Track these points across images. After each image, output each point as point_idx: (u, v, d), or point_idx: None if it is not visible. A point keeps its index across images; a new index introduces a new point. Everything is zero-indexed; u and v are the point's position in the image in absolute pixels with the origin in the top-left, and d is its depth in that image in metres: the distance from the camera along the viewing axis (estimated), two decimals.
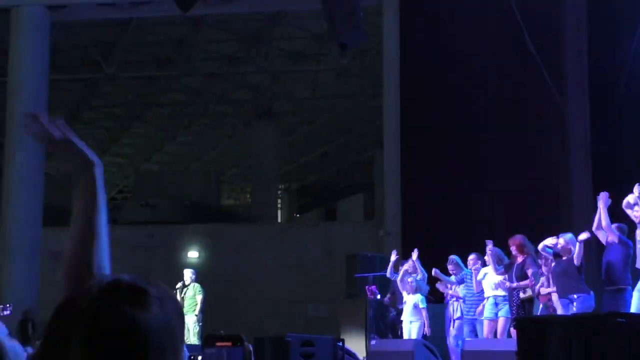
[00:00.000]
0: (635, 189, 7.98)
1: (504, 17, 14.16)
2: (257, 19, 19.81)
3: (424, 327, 10.92)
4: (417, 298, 10.92)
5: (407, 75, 16.37)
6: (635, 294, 8.83)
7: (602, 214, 8.96)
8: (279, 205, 29.31)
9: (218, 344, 8.54)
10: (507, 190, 14.25)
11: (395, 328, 11.61)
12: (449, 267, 11.06)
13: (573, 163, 14.43)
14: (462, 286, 10.87)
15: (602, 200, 8.91)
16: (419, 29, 15.96)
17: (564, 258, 9.22)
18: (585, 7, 14.44)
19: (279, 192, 29.41)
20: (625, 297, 8.86)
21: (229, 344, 8.32)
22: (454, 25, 14.91)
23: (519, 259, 9.94)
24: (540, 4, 14.54)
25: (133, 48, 20.75)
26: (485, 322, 10.10)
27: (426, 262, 11.45)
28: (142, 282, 1.27)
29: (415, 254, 11.13)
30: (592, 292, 9.16)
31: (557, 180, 14.42)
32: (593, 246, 9.97)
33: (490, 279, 10.22)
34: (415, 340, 10.04)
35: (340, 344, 8.95)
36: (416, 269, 11.11)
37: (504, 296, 10.05)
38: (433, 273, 11.12)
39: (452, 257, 11.10)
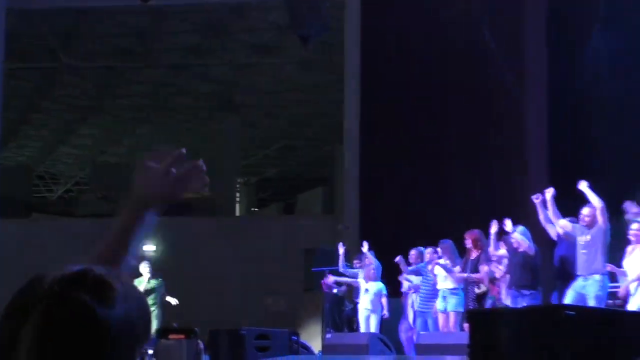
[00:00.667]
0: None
1: (464, 14, 14.22)
2: (220, 11, 19.67)
3: (382, 313, 10.98)
4: (379, 285, 10.96)
5: (368, 70, 16.39)
6: (569, 292, 8.94)
7: (550, 208, 9.15)
8: (238, 199, 29.18)
9: (171, 336, 8.46)
10: (466, 185, 14.34)
11: (351, 321, 11.63)
12: (411, 257, 11.11)
13: (531, 160, 14.55)
14: (419, 278, 10.91)
15: (546, 195, 9.14)
16: (381, 24, 15.98)
17: (520, 250, 9.31)
18: (545, 4, 14.55)
19: (238, 185, 29.27)
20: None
21: (182, 336, 8.25)
22: (416, 21, 14.95)
23: (473, 254, 10.00)
24: (501, 1, 14.63)
25: (93, 38, 20.48)
26: (439, 315, 10.15)
27: (384, 256, 11.48)
28: (112, 276, 1.22)
29: (365, 246, 11.18)
30: (540, 289, 9.26)
31: (515, 176, 14.52)
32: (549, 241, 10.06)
33: (441, 271, 10.26)
34: (370, 333, 10.06)
35: (295, 337, 8.93)
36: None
37: (451, 289, 10.08)
38: (397, 260, 11.13)
39: (417, 248, 11.15)
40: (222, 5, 19.29)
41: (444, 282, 10.17)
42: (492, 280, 9.74)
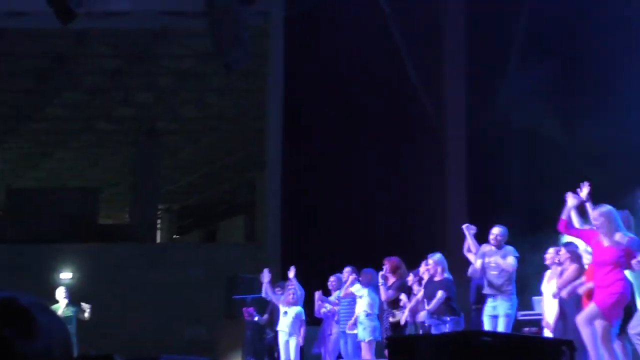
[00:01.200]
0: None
1: (386, 44, 14.46)
2: (143, 36, 19.52)
3: (301, 340, 10.95)
4: (298, 309, 10.95)
5: (290, 98, 16.48)
6: (485, 318, 9.13)
7: (470, 242, 9.33)
8: (159, 225, 28.85)
9: None
10: (387, 212, 14.50)
11: (272, 350, 11.58)
12: (331, 284, 11.11)
13: (450, 187, 14.81)
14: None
15: (468, 230, 9.30)
16: (305, 53, 16.11)
17: (435, 279, 9.42)
18: (464, 35, 14.91)
19: (160, 212, 28.95)
20: None
21: None
22: (338, 50, 15.12)
23: (390, 281, 10.08)
24: (422, 31, 14.92)
25: (10, 59, 20.08)
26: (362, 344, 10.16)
27: (306, 283, 11.49)
28: (38, 308, 1.19)
29: (292, 272, 11.17)
30: (462, 315, 9.40)
31: (434, 204, 14.75)
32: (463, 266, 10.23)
33: (358, 292, 10.27)
34: None
35: None
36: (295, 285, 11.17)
37: (367, 314, 10.12)
38: (317, 297, 11.15)
39: (337, 275, 11.16)
40: (144, 31, 19.16)
41: (360, 306, 10.18)
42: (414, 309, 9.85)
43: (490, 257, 9.34)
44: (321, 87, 15.63)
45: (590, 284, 7.69)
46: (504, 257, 9.21)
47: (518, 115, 13.80)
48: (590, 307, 7.21)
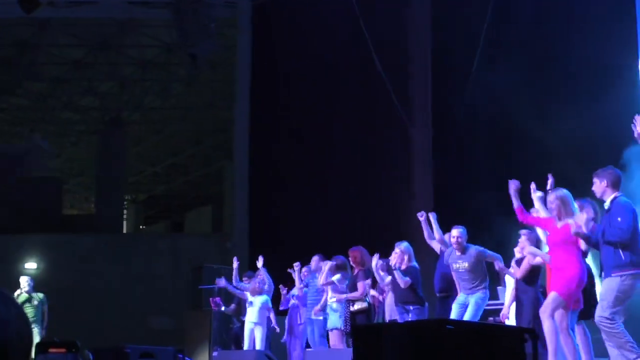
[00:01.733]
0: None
1: (354, 38, 14.50)
2: (108, 25, 19.38)
3: (271, 326, 10.98)
4: (264, 298, 10.97)
5: (258, 88, 16.48)
6: (454, 305, 9.25)
7: (424, 227, 9.45)
8: (125, 216, 28.69)
9: (52, 350, 8.23)
10: (354, 203, 14.57)
11: (238, 340, 11.59)
12: (303, 274, 11.14)
13: (416, 181, 14.91)
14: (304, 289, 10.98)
15: (421, 217, 9.42)
16: (272, 42, 16.12)
17: (402, 268, 9.49)
18: (430, 33, 15.01)
19: (126, 202, 28.79)
20: (452, 304, 9.31)
21: (62, 350, 8.03)
22: (306, 41, 15.15)
23: (354, 271, 10.14)
24: (389, 28, 14.99)
25: None
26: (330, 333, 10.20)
27: (273, 274, 11.53)
28: None
29: (260, 261, 11.20)
30: (426, 304, 9.49)
31: (401, 196, 14.84)
32: (432, 256, 10.33)
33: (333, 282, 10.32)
34: (256, 350, 10.06)
35: (181, 355, 8.85)
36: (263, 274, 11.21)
37: (339, 302, 10.17)
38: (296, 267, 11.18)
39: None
40: (109, 20, 19.02)
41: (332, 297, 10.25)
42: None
43: (456, 263, 9.43)
44: (288, 78, 15.65)
45: (541, 259, 7.81)
46: (469, 260, 9.30)
47: (484, 105, 13.94)
48: (550, 297, 7.28)
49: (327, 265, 10.14)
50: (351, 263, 10.23)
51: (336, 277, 10.19)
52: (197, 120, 24.35)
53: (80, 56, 20.84)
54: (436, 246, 9.71)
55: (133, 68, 21.50)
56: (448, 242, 9.50)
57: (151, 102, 23.61)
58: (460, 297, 9.16)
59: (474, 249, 9.36)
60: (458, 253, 9.28)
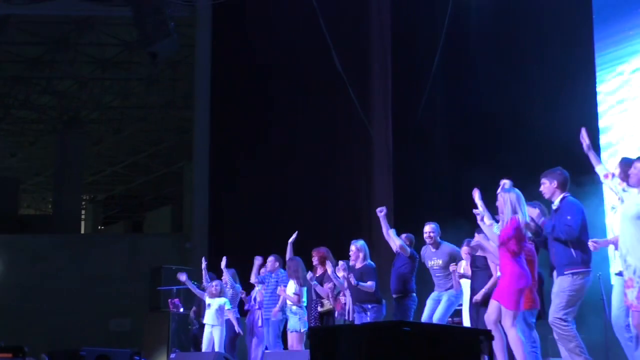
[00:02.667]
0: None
1: (315, 36, 14.49)
2: (66, 23, 19.16)
3: (228, 331, 10.92)
4: (222, 301, 10.92)
5: (218, 88, 16.41)
6: (429, 302, 9.32)
7: (383, 224, 9.48)
8: (83, 216, 28.40)
9: None
10: (314, 202, 14.56)
11: (197, 341, 11.52)
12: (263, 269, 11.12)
13: (376, 178, 14.95)
14: (260, 287, 10.95)
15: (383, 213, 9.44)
16: (232, 42, 16.06)
17: (357, 266, 9.51)
18: (390, 31, 15.05)
19: (84, 202, 28.50)
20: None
21: (9, 355, 7.89)
22: (266, 39, 15.13)
23: (319, 271, 10.13)
24: (350, 28, 15.02)
25: None
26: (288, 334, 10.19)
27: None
28: None
29: (223, 262, 11.16)
30: (384, 302, 9.53)
31: (361, 194, 14.88)
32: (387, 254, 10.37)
33: (289, 288, 10.30)
34: (215, 352, 10.01)
35: (138, 357, 8.78)
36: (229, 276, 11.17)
37: (295, 305, 10.16)
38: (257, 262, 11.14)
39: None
40: (67, 18, 18.80)
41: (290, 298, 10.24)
42: (336, 296, 9.89)
43: (431, 260, 9.50)
44: (249, 77, 15.60)
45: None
46: (442, 257, 9.38)
47: (444, 102, 14.04)
48: (492, 306, 7.24)
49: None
50: (315, 263, 10.24)
51: (290, 289, 10.18)
52: (157, 119, 24.18)
53: (38, 54, 20.59)
54: (393, 244, 9.75)
55: (92, 67, 21.28)
56: (404, 243, 9.57)
57: (110, 101, 23.39)
58: (434, 293, 9.27)
59: (447, 247, 9.45)
60: (432, 249, 9.36)
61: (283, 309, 10.37)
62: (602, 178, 6.99)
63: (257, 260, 11.05)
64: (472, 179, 10.37)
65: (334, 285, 9.88)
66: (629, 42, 12.53)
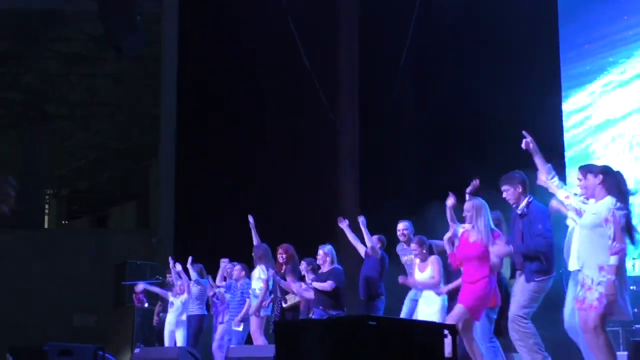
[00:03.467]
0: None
1: (282, 31, 14.49)
2: (32, 18, 18.97)
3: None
4: (184, 298, 10.89)
5: (185, 83, 16.35)
6: (407, 301, 9.34)
7: (347, 232, 9.51)
8: (47, 211, 28.12)
9: None
10: (281, 201, 14.55)
11: (162, 336, 11.49)
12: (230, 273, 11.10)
13: (343, 172, 14.99)
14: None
15: (360, 221, 9.47)
16: (199, 36, 16.00)
17: (323, 271, 9.53)
18: (357, 24, 15.09)
19: (48, 197, 28.22)
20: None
21: None
22: (233, 35, 15.08)
23: (284, 268, 10.15)
24: (316, 18, 15.02)
25: None
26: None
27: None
28: None
29: (189, 261, 11.14)
30: (345, 310, 9.51)
31: (328, 189, 14.89)
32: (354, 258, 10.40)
33: (257, 272, 10.28)
34: (179, 347, 9.99)
35: (102, 352, 8.74)
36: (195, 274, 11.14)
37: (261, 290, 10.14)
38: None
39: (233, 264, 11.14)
40: (33, 12, 18.62)
41: (256, 285, 10.22)
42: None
43: (405, 255, 9.52)
44: (216, 73, 15.55)
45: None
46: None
47: (412, 95, 14.12)
48: (457, 309, 7.34)
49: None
50: (281, 260, 10.24)
51: (256, 284, 10.17)
52: (124, 115, 24.02)
53: (3, 49, 20.35)
54: (360, 248, 9.79)
55: (58, 62, 21.08)
56: (375, 245, 9.58)
57: (77, 97, 23.19)
58: (411, 292, 9.28)
59: None
60: (406, 246, 9.39)
61: (244, 320, 10.35)
62: (563, 200, 6.95)
63: (223, 263, 11.06)
64: (442, 172, 10.48)
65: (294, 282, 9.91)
66: (596, 57, 12.70)
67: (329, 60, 15.18)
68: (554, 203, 7.18)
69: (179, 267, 11.28)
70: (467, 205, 7.48)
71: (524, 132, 7.03)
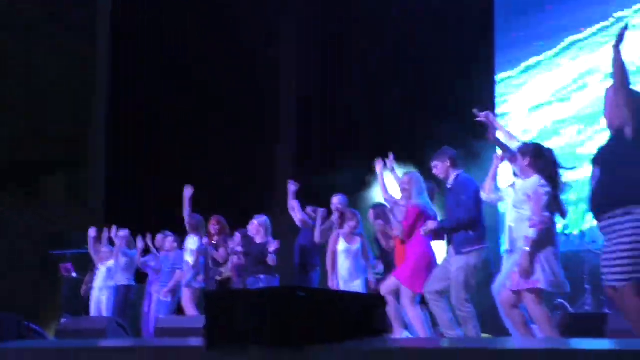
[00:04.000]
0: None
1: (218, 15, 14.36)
2: None
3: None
4: (110, 263, 10.77)
5: (117, 54, 16.10)
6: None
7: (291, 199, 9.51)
8: None
9: None
10: (215, 174, 14.45)
11: (88, 306, 11.34)
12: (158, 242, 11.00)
13: (280, 151, 14.97)
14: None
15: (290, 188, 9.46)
16: (132, 9, 15.76)
17: (258, 242, 9.50)
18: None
19: None
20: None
21: None
22: (166, 7, 14.90)
23: (215, 239, 10.09)
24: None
25: None
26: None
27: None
28: None
29: (113, 231, 11.00)
30: (277, 276, 9.52)
31: (265, 166, 14.85)
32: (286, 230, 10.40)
33: (190, 243, 10.19)
34: (107, 317, 9.88)
35: (27, 323, 8.56)
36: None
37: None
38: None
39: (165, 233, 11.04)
40: None
41: (188, 257, 10.13)
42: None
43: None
44: (149, 44, 15.33)
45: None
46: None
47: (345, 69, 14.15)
48: (392, 280, 7.44)
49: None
50: (213, 231, 10.18)
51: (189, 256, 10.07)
52: (54, 86, 23.50)
53: None
54: (297, 217, 9.77)
55: None
56: (306, 217, 9.59)
57: (8, 65, 22.59)
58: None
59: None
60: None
61: (174, 290, 10.26)
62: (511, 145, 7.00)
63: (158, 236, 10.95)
64: (378, 145, 10.49)
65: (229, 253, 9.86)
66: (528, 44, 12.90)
67: (265, 32, 15.07)
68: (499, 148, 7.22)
69: (112, 232, 11.14)
70: (404, 178, 7.54)
71: (474, 110, 7.04)
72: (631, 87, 5.15)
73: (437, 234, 7.47)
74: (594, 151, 5.30)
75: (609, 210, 4.98)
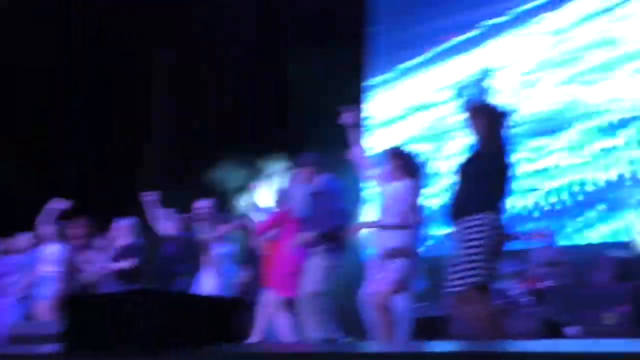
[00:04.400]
0: None
1: None
2: None
3: None
4: None
5: None
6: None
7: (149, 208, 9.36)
8: None
9: None
10: (82, 177, 14.06)
11: None
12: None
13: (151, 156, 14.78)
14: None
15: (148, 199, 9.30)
16: None
17: (122, 243, 9.36)
18: None
19: None
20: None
21: None
22: None
23: (79, 242, 9.88)
24: None
25: None
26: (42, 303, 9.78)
27: None
28: None
29: None
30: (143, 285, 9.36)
31: (135, 170, 14.54)
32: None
33: (49, 252, 9.89)
34: None
35: None
36: None
37: (51, 272, 9.79)
38: None
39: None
40: None
41: (47, 266, 9.83)
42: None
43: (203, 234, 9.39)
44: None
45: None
46: None
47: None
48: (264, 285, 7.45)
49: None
50: (78, 235, 9.95)
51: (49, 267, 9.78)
52: None
53: None
54: (158, 227, 9.64)
55: None
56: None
57: None
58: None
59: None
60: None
61: (29, 295, 9.92)
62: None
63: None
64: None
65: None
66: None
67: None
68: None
69: None
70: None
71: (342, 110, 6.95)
72: (487, 102, 5.27)
73: (313, 244, 7.47)
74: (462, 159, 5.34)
75: (458, 218, 5.12)
